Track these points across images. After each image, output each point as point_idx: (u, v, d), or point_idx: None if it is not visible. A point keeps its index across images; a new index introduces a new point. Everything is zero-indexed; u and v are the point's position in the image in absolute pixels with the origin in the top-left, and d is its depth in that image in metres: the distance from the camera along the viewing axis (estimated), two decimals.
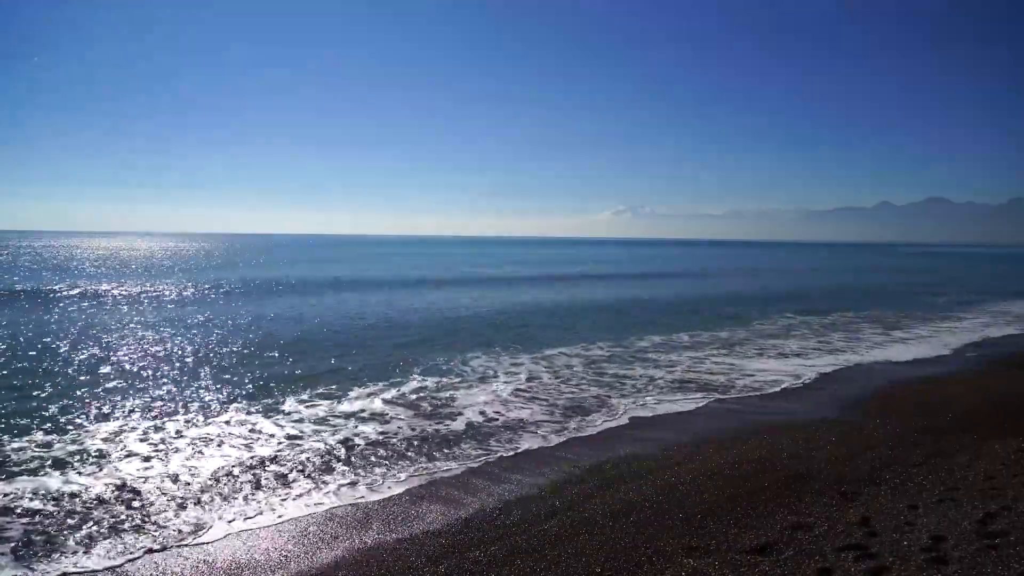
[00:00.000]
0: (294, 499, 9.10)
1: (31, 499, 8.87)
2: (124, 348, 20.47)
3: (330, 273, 60.34)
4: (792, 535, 7.42)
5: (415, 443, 11.61)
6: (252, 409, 13.52)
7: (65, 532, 7.98)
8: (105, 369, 17.24)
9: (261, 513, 8.62)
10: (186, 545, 7.71)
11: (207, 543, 7.78)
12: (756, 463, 10.09)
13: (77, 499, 8.90)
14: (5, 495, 8.97)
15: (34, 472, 9.84)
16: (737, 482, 9.28)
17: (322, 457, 10.77)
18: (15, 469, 9.92)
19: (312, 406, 13.86)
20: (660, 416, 13.57)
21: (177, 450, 10.94)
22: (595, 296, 41.67)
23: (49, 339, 21.71)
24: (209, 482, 9.60)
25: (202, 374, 16.95)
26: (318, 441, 11.58)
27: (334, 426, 12.50)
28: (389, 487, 9.61)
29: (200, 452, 10.88)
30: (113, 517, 8.39)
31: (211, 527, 8.18)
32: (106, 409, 13.35)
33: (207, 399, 14.38)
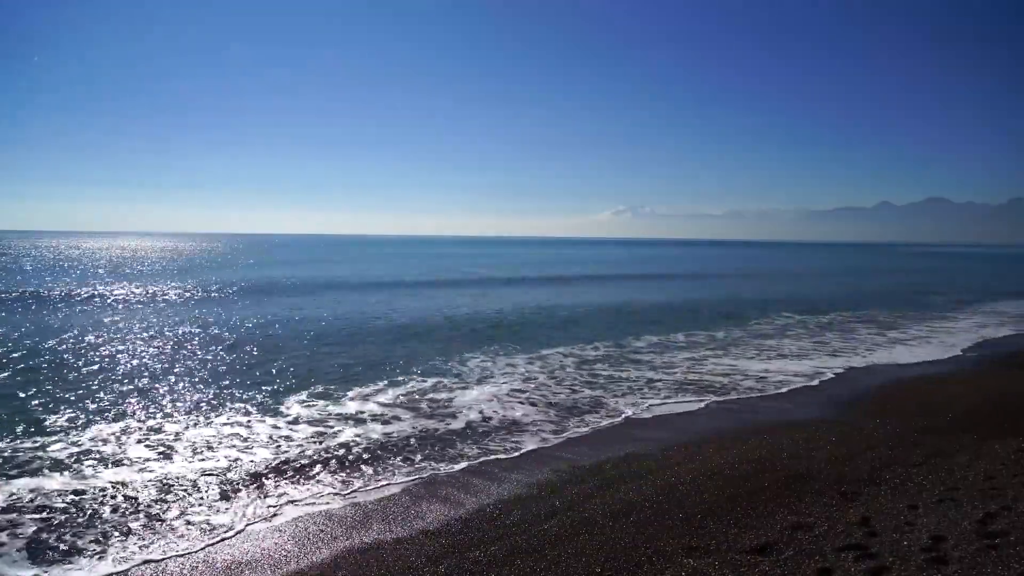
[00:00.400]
0: (294, 499, 9.10)
1: (31, 500, 8.87)
2: (124, 349, 20.47)
3: (330, 273, 60.37)
4: (792, 535, 7.41)
5: (414, 443, 11.61)
6: (251, 410, 13.52)
7: (66, 535, 7.98)
8: (105, 370, 17.23)
9: (261, 513, 8.63)
10: (187, 545, 7.71)
11: (207, 543, 7.78)
12: (756, 463, 10.09)
13: (77, 501, 8.90)
14: (5, 495, 8.98)
15: (34, 473, 9.84)
16: (737, 482, 9.27)
17: (321, 457, 10.77)
18: (13, 472, 9.92)
19: (311, 406, 13.86)
20: (659, 416, 13.57)
21: (177, 451, 10.94)
22: (595, 296, 41.65)
23: (49, 340, 21.70)
24: (209, 483, 9.60)
25: (202, 375, 16.96)
26: (317, 441, 11.58)
27: (333, 426, 12.50)
28: (388, 487, 9.61)
29: (199, 453, 10.89)
30: (113, 518, 8.39)
31: (211, 527, 8.19)
32: (106, 410, 13.34)
33: (207, 400, 14.37)
